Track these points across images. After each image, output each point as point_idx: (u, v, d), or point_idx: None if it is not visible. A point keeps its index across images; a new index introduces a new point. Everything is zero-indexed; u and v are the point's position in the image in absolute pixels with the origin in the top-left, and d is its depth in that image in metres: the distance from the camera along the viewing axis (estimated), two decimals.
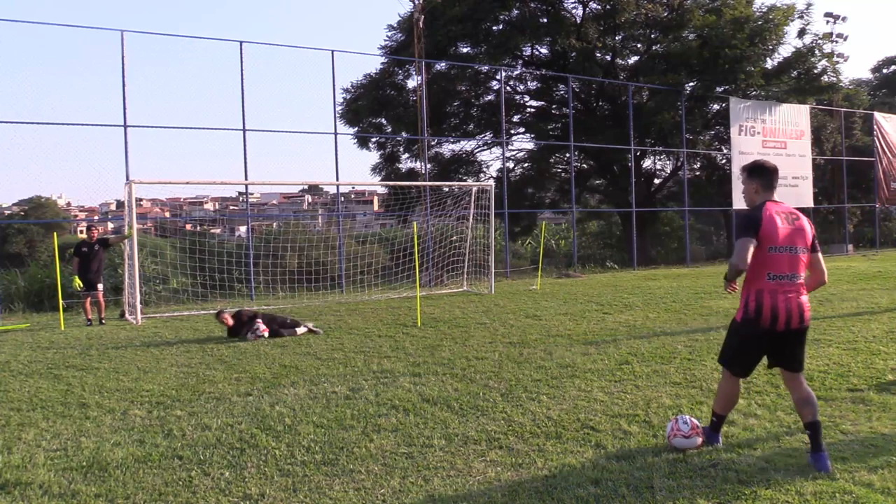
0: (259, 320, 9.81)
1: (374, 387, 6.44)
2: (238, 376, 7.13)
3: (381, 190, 31.83)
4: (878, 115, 29.04)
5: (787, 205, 4.25)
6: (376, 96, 23.71)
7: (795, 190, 25.17)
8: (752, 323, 4.13)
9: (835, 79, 26.21)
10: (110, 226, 28.52)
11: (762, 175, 4.25)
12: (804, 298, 4.13)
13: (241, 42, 15.83)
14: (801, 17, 24.74)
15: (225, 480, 4.14)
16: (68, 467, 4.43)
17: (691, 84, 24.07)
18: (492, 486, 3.95)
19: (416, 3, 20.84)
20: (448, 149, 26.00)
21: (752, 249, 4.01)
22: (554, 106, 26.38)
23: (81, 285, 12.02)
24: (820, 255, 4.25)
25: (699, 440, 4.43)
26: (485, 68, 23.48)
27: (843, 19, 34.77)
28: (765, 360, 4.40)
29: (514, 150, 26.72)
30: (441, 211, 18.21)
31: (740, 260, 4.01)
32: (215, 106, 29.08)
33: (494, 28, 23.46)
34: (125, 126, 14.55)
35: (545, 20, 23.56)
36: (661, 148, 25.05)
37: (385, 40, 25.37)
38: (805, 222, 4.17)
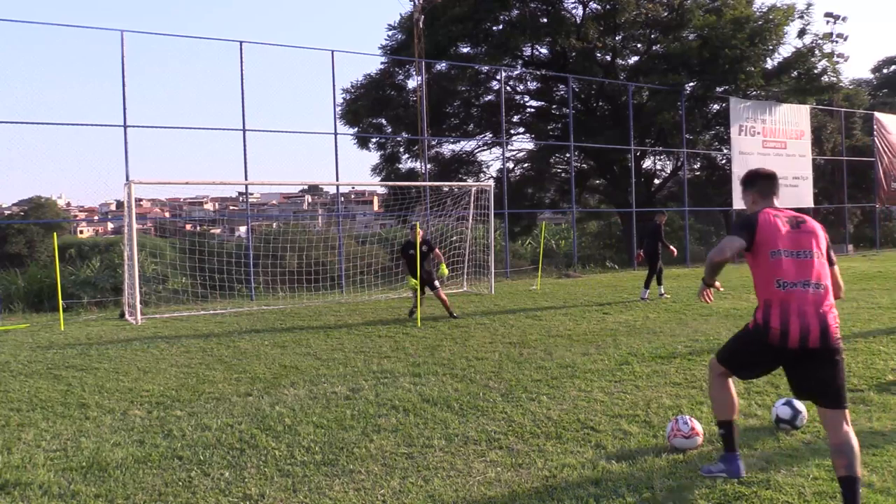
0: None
1: (374, 387, 6.44)
2: (238, 376, 7.13)
3: (381, 190, 31.87)
4: (878, 115, 29.04)
5: (790, 211, 3.86)
6: (376, 96, 23.71)
7: (795, 190, 25.17)
8: (760, 333, 3.57)
9: (835, 79, 26.20)
10: (110, 226, 28.54)
11: (754, 183, 3.92)
12: (826, 311, 3.47)
13: (241, 42, 15.82)
14: (801, 18, 24.75)
15: (225, 480, 4.14)
16: (68, 467, 4.43)
17: (691, 84, 24.06)
18: (492, 486, 3.95)
19: (416, 3, 20.85)
20: (448, 149, 26.03)
21: (735, 247, 3.63)
22: (554, 106, 26.37)
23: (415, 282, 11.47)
24: (837, 268, 3.73)
25: (699, 440, 4.43)
26: (485, 68, 23.47)
27: (843, 19, 34.90)
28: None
29: (513, 150, 26.76)
30: (441, 211, 18.19)
31: (716, 251, 3.68)
32: (215, 106, 29.09)
33: (494, 28, 23.45)
34: (125, 126, 14.54)
35: (545, 20, 23.55)
36: (661, 148, 25.06)
37: (385, 40, 25.43)
38: (815, 226, 3.70)
